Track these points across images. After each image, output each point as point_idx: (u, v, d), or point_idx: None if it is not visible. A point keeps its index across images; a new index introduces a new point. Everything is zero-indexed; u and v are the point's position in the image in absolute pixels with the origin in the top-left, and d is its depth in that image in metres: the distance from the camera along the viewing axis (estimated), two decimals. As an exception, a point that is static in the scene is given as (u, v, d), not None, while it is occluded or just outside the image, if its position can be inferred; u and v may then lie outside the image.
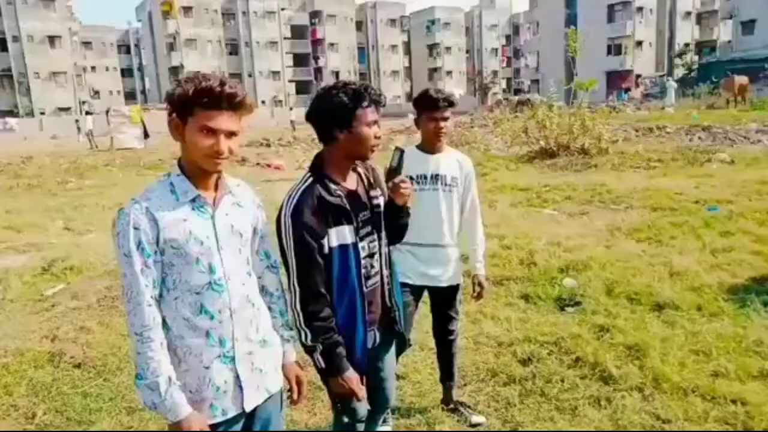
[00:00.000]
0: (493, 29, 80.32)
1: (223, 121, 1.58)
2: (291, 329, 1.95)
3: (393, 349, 2.33)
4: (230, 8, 62.73)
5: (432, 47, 74.26)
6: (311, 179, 1.98)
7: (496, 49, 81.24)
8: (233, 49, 63.32)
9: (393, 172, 2.12)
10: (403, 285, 2.89)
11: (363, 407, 2.18)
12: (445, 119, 2.84)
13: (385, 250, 2.14)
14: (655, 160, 11.80)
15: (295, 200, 1.93)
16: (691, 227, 6.37)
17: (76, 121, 37.76)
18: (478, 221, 3.07)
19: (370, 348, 2.13)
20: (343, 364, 1.96)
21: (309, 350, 1.97)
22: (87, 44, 63.00)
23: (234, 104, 1.60)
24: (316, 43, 68.02)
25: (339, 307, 1.99)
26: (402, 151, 2.15)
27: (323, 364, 1.97)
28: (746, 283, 4.71)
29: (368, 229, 2.06)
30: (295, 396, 1.94)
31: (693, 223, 6.52)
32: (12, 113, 47.85)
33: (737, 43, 47.66)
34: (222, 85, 1.56)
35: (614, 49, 54.26)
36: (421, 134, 2.92)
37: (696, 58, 52.68)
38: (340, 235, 1.95)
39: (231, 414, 1.71)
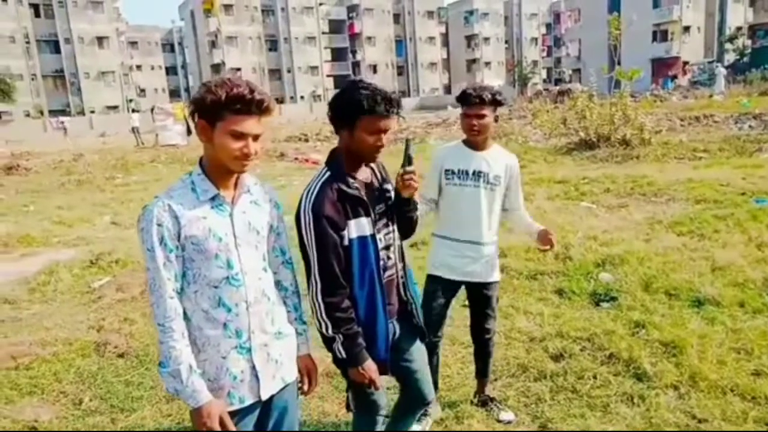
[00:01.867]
0: (532, 18, 78.66)
1: (252, 125, 1.66)
2: (304, 323, 2.02)
3: (419, 342, 2.33)
4: (269, 4, 63.49)
5: (470, 38, 73.31)
6: (328, 173, 2.02)
7: (536, 39, 79.56)
8: (272, 45, 64.15)
9: (404, 164, 2.10)
10: (435, 278, 2.97)
11: (382, 399, 2.21)
12: (480, 117, 2.77)
13: (398, 243, 2.18)
14: (701, 150, 11.39)
15: (314, 193, 1.96)
16: (737, 220, 6.13)
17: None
18: (525, 213, 3.12)
19: (392, 342, 2.15)
20: (362, 354, 2.00)
21: (329, 341, 2.02)
22: (133, 44, 64.93)
23: (262, 109, 1.68)
24: (354, 37, 68.17)
25: (360, 299, 2.02)
26: (409, 141, 2.15)
27: (344, 355, 2.00)
28: (794, 278, 4.52)
29: (384, 221, 2.11)
30: (305, 387, 2.01)
31: (739, 215, 6.27)
32: (64, 112, 49.89)
33: (794, 25, 45.24)
34: (252, 91, 1.64)
35: (660, 35, 52.36)
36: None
37: (749, 42, 50.26)
38: (359, 227, 1.99)
39: (248, 402, 1.80)
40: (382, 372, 2.08)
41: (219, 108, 1.63)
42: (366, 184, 2.07)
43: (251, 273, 1.78)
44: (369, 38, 67.86)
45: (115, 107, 53.81)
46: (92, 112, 50.36)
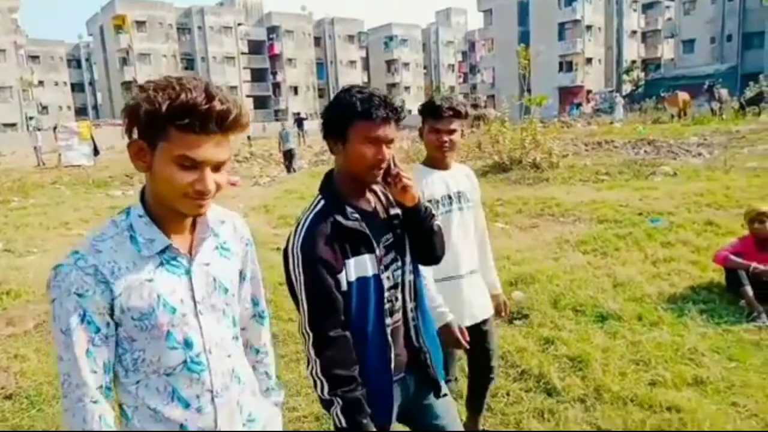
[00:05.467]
0: (449, 45, 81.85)
1: (210, 149, 1.16)
2: (278, 392, 1.64)
3: (450, 397, 1.98)
4: (185, 23, 61.93)
5: (390, 63, 75.08)
6: (322, 201, 1.69)
7: (453, 65, 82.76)
8: (189, 64, 62.36)
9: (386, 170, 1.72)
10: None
11: None
12: (451, 132, 2.45)
13: (409, 278, 1.79)
14: (603, 173, 12.18)
15: (305, 228, 1.63)
16: (635, 239, 6.58)
17: None
18: (487, 237, 2.83)
19: (406, 400, 1.84)
20: (367, 426, 1.63)
21: (326, 403, 1.67)
22: (35, 58, 60.93)
23: (226, 126, 1.18)
24: (274, 58, 67.76)
25: (356, 351, 1.68)
26: None
27: (343, 423, 1.63)
28: (684, 292, 4.90)
29: (392, 255, 1.75)
30: None
31: (636, 234, 6.73)
32: (-48, 129, 45.71)
33: (679, 60, 50.13)
34: (209, 99, 1.14)
35: (565, 65, 56.11)
36: (425, 147, 2.61)
37: (642, 74, 54.98)
38: (359, 266, 1.65)
39: None
40: None
41: (159, 122, 1.13)
42: (368, 213, 1.71)
43: (217, 350, 1.32)
44: (289, 60, 67.72)
45: (12, 125, 49.98)
46: (-14, 129, 46.50)
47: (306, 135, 33.34)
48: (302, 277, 1.60)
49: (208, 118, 1.14)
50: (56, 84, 65.01)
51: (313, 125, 49.82)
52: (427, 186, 2.46)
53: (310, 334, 1.63)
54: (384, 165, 1.65)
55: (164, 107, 1.12)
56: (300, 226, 1.66)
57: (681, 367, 3.56)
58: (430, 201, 2.32)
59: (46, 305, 5.34)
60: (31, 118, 50.87)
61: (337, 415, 1.63)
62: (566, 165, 13.07)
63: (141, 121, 1.16)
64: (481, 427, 2.95)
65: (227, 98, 1.17)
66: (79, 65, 73.20)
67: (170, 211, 1.23)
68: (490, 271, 2.82)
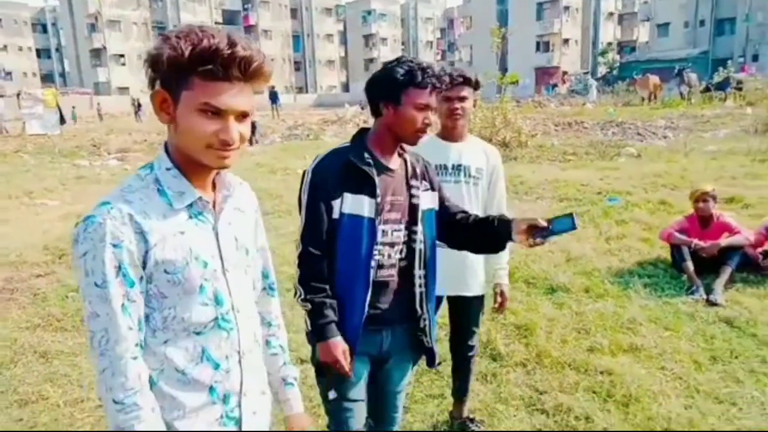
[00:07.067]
0: (428, 22, 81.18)
1: (233, 96, 1.14)
2: (293, 367, 1.57)
3: (410, 367, 2.12)
4: (157, -11, 60.12)
5: (368, 38, 74.20)
6: (348, 145, 1.92)
7: (431, 42, 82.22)
8: (161, 32, 60.59)
9: (545, 230, 1.76)
10: None
11: (359, 413, 1.95)
12: (462, 99, 2.47)
13: (419, 246, 1.92)
14: (570, 153, 12.43)
15: (322, 157, 1.89)
16: (592, 216, 6.82)
17: None
18: None
19: (376, 354, 1.96)
20: (329, 329, 1.82)
21: (306, 314, 1.87)
22: (-4, 21, 58.68)
23: (249, 73, 1.15)
24: (249, 29, 66.23)
25: (338, 285, 1.85)
26: (573, 218, 1.75)
27: (309, 327, 1.86)
28: (631, 267, 5.14)
29: (396, 215, 1.89)
30: None
31: (594, 212, 6.98)
32: None
33: (654, 44, 50.74)
34: (232, 45, 1.12)
35: (543, 45, 56.29)
36: (438, 118, 2.50)
37: (618, 56, 55.53)
38: (355, 204, 1.82)
39: None
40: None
41: (182, 70, 1.11)
42: (385, 167, 1.89)
43: (244, 310, 1.32)
44: (265, 31, 66.40)
45: (-25, 90, 48.23)
46: (-54, 94, 44.72)
47: (280, 108, 32.95)
48: (306, 194, 1.85)
49: (231, 64, 1.12)
50: (20, 49, 62.79)
51: (288, 99, 49.18)
52: (423, 153, 2.20)
53: (300, 246, 1.87)
54: (429, 129, 1.88)
55: (187, 53, 1.10)
56: (319, 155, 1.90)
57: (619, 335, 3.78)
58: (437, 167, 2.36)
59: (5, 273, 5.34)
60: (-6, 84, 49.14)
61: (306, 320, 1.87)
62: (535, 145, 13.29)
63: (163, 69, 1.13)
64: (466, 414, 2.94)
65: (250, 46, 1.16)
66: (44, 30, 70.53)
67: (194, 165, 1.20)
68: (498, 257, 2.62)
